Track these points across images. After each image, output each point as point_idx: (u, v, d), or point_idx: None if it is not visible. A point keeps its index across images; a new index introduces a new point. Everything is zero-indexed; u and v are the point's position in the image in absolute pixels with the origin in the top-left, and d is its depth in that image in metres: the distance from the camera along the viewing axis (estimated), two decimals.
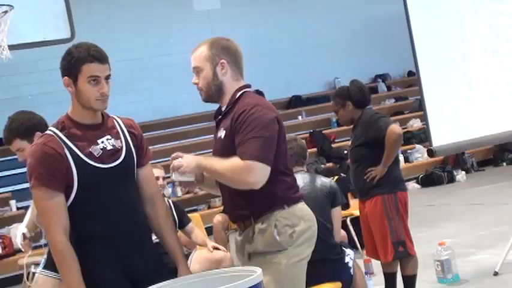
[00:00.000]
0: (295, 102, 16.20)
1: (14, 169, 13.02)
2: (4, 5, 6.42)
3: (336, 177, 8.93)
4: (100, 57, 3.17)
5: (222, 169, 3.28)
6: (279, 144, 3.37)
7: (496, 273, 6.20)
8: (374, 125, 5.63)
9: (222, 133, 3.40)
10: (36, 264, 9.66)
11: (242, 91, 3.47)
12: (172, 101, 14.81)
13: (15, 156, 12.40)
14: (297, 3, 16.44)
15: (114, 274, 3.14)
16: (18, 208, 11.86)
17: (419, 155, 14.15)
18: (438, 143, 5.84)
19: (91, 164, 3.11)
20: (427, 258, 6.43)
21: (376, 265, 6.05)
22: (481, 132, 6.12)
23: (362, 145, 5.74)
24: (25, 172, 10.30)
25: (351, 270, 5.19)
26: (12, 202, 11.86)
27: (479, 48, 6.17)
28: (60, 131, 3.15)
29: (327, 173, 9.79)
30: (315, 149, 14.08)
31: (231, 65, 3.48)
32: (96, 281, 3.08)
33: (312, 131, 14.89)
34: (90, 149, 3.13)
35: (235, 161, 3.24)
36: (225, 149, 3.34)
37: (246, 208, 3.42)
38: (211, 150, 3.53)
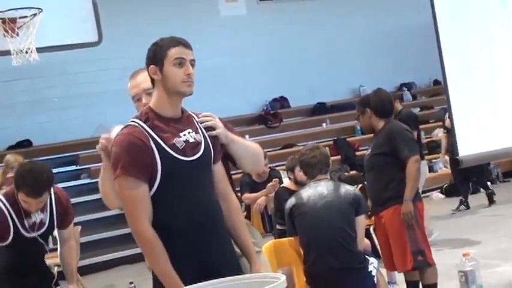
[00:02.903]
0: (320, 109, 16.17)
1: None
2: (33, 8, 6.49)
3: (360, 185, 8.87)
4: (184, 42, 3.28)
5: (254, 145, 3.58)
6: None
7: None
8: (401, 143, 5.61)
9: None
10: (60, 265, 9.76)
11: None
12: (197, 105, 14.84)
13: (40, 158, 12.46)
14: (322, 11, 16.42)
15: (192, 267, 3.15)
16: None
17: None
18: (464, 153, 5.80)
19: (175, 156, 3.14)
20: (451, 269, 6.37)
21: (399, 274, 6.02)
22: (507, 142, 6.07)
23: (382, 154, 5.73)
24: None
25: (374, 279, 5.16)
26: None
27: (506, 58, 6.12)
28: (144, 122, 3.18)
29: (351, 181, 9.73)
30: (338, 157, 14.04)
31: None
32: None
33: (335, 138, 14.85)
34: (174, 141, 3.17)
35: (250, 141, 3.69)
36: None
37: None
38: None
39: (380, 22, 16.98)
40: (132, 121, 3.21)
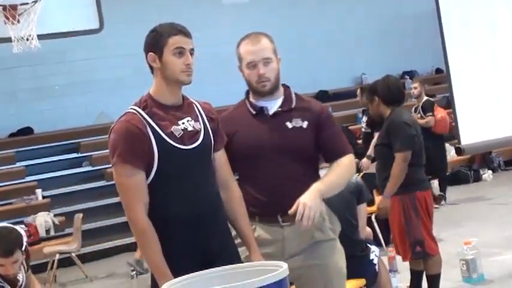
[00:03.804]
0: (322, 97, 16.10)
1: (40, 158, 13.14)
2: None
3: (362, 173, 8.87)
4: (184, 30, 3.26)
5: (341, 178, 3.53)
6: None
7: None
8: (395, 137, 5.53)
9: (302, 123, 3.51)
10: (61, 253, 9.82)
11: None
12: (197, 94, 14.83)
13: (42, 146, 12.51)
14: (324, 0, 16.39)
15: (191, 256, 3.15)
16: (44, 197, 11.97)
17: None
18: (467, 141, 5.78)
19: (172, 144, 3.13)
20: (452, 258, 6.38)
21: (401, 262, 6.02)
22: (510, 131, 6.05)
23: (381, 145, 5.70)
24: (52, 161, 10.43)
25: (376, 267, 5.16)
26: (38, 191, 11.96)
27: (510, 46, 6.10)
28: (143, 109, 3.17)
29: None
30: None
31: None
32: (173, 263, 3.09)
33: None
34: (172, 129, 3.15)
35: (344, 162, 3.53)
36: (305, 137, 3.50)
37: None
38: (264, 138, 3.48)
39: (383, 10, 16.93)
40: (131, 108, 3.20)
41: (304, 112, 3.55)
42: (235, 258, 3.18)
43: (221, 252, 3.20)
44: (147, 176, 3.12)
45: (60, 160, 13.31)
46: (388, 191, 5.52)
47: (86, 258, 10.14)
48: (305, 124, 3.51)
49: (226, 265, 2.85)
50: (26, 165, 12.96)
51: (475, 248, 6.24)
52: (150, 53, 3.23)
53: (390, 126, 5.64)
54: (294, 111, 3.54)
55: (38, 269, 9.41)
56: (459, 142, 5.85)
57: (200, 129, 3.24)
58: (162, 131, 3.13)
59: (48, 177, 12.65)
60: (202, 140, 3.23)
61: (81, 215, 9.95)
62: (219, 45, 14.83)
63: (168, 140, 3.12)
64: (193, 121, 3.24)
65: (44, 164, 13.04)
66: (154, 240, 3.09)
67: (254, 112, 3.56)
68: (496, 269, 6.50)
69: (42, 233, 10.91)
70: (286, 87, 3.65)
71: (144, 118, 3.14)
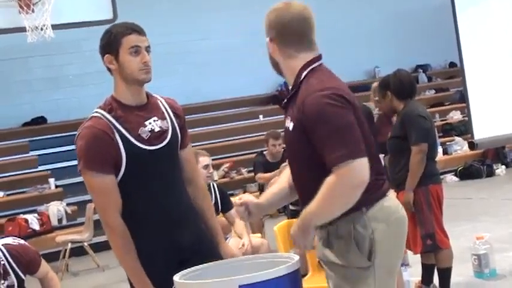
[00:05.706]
0: None
1: (54, 147, 13.18)
2: None
3: None
4: (138, 29, 3.21)
5: (325, 202, 2.68)
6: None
7: None
8: (410, 129, 5.51)
9: (289, 124, 2.85)
10: (73, 242, 9.85)
11: (308, 69, 2.92)
12: (207, 86, 14.85)
13: (55, 135, 12.55)
14: None
15: (163, 254, 3.15)
16: (57, 186, 12.02)
17: (459, 147, 13.98)
18: (480, 136, 5.76)
19: (140, 147, 3.12)
20: (464, 252, 6.36)
21: (412, 256, 6.01)
22: None
23: (395, 138, 5.68)
24: (65, 151, 10.47)
25: None
26: (51, 180, 12.02)
27: None
28: (108, 112, 3.16)
29: None
30: None
31: (278, 41, 2.96)
32: (146, 263, 3.10)
33: None
34: (139, 132, 3.14)
35: (327, 182, 2.64)
36: (293, 143, 2.87)
37: None
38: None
39: (397, 3, 16.86)
40: (96, 112, 3.19)
41: (294, 107, 2.83)
42: (210, 256, 3.14)
43: (195, 250, 3.19)
44: (115, 178, 3.11)
45: (73, 150, 13.30)
46: (409, 185, 5.50)
47: (98, 247, 10.15)
48: (291, 125, 2.81)
49: (201, 263, 2.88)
50: (39, 155, 13.02)
51: (487, 243, 6.21)
52: (107, 55, 3.22)
53: (405, 119, 5.61)
54: (291, 105, 2.87)
55: (50, 257, 9.44)
56: (472, 136, 5.83)
57: (168, 128, 3.22)
58: (129, 133, 3.12)
59: (61, 167, 12.69)
60: (170, 138, 3.21)
61: (93, 204, 9.96)
62: (231, 36, 14.88)
63: (135, 142, 3.12)
64: (159, 120, 3.22)
65: (57, 154, 13.09)
66: (131, 245, 3.10)
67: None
68: (508, 265, 6.47)
69: (54, 222, 10.97)
70: (304, 66, 2.93)
71: (111, 122, 3.12)
